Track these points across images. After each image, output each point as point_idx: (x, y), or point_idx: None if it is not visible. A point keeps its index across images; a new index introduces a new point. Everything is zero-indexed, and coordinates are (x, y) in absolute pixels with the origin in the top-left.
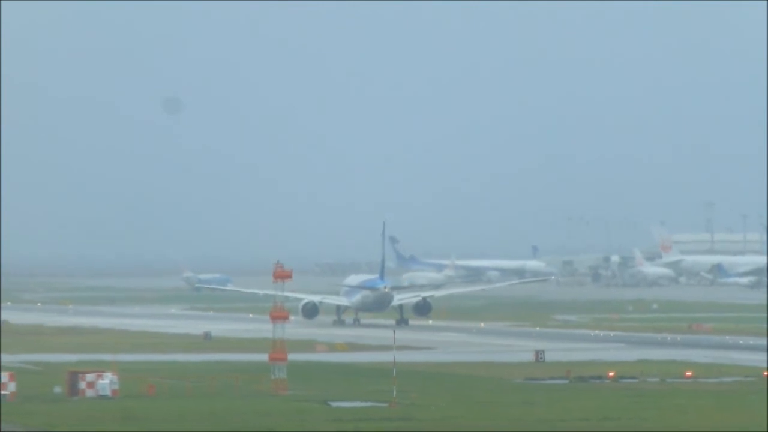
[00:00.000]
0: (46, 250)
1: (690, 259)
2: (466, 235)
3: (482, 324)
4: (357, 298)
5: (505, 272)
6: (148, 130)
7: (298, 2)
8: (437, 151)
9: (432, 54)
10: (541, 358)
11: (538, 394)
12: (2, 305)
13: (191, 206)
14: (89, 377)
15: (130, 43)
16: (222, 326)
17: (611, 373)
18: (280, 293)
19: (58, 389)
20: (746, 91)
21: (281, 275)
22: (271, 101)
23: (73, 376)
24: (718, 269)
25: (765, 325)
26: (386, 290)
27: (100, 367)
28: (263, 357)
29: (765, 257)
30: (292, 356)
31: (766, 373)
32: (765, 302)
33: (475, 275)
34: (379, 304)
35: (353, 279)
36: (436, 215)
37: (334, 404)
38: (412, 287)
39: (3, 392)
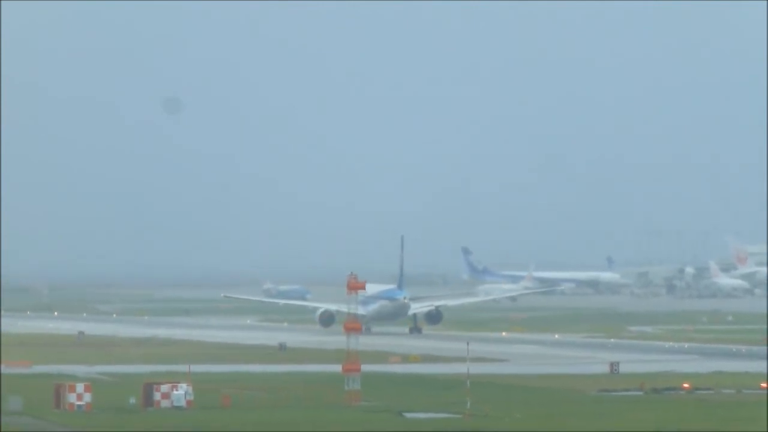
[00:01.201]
0: (45, 251)
1: (765, 271)
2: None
3: (557, 335)
4: (374, 307)
5: (580, 283)
6: (148, 130)
7: (298, 2)
8: (437, 151)
9: (432, 54)
10: (615, 369)
11: (612, 406)
12: (79, 316)
13: (190, 206)
14: (164, 388)
15: (130, 43)
16: (296, 337)
17: (686, 385)
18: (352, 305)
19: (133, 400)
20: (746, 91)
21: (355, 286)
22: (271, 101)
23: (148, 387)
24: None
25: None
26: (405, 301)
27: (175, 378)
28: (337, 368)
29: None
30: (365, 367)
31: None
32: None
33: (549, 287)
34: (396, 314)
35: (367, 288)
36: (435, 215)
37: (409, 415)
38: (430, 297)
39: (79, 403)
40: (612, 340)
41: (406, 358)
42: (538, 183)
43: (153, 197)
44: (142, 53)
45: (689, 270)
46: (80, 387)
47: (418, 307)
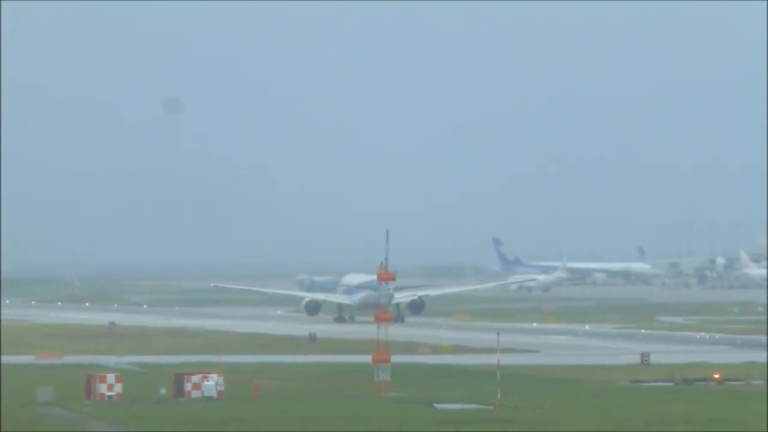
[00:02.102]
0: (45, 251)
1: None
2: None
3: (588, 326)
4: (359, 297)
5: (612, 274)
6: (148, 130)
7: (298, 2)
8: (437, 150)
9: (432, 54)
10: (646, 360)
11: (642, 397)
12: (109, 307)
13: (190, 205)
14: (195, 379)
15: (130, 43)
16: (326, 328)
17: (716, 376)
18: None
19: (163, 391)
20: (746, 91)
21: (385, 277)
22: (271, 101)
23: (179, 378)
24: None
25: None
26: (389, 291)
27: (206, 369)
28: (366, 358)
29: None
30: (394, 358)
31: None
32: None
33: (580, 277)
34: (380, 304)
35: (352, 278)
36: (435, 215)
37: (439, 406)
38: (414, 286)
39: (110, 393)
40: (643, 330)
41: (436, 349)
42: (538, 182)
43: (152, 197)
44: (142, 53)
45: (720, 261)
46: (111, 377)
47: (401, 297)
